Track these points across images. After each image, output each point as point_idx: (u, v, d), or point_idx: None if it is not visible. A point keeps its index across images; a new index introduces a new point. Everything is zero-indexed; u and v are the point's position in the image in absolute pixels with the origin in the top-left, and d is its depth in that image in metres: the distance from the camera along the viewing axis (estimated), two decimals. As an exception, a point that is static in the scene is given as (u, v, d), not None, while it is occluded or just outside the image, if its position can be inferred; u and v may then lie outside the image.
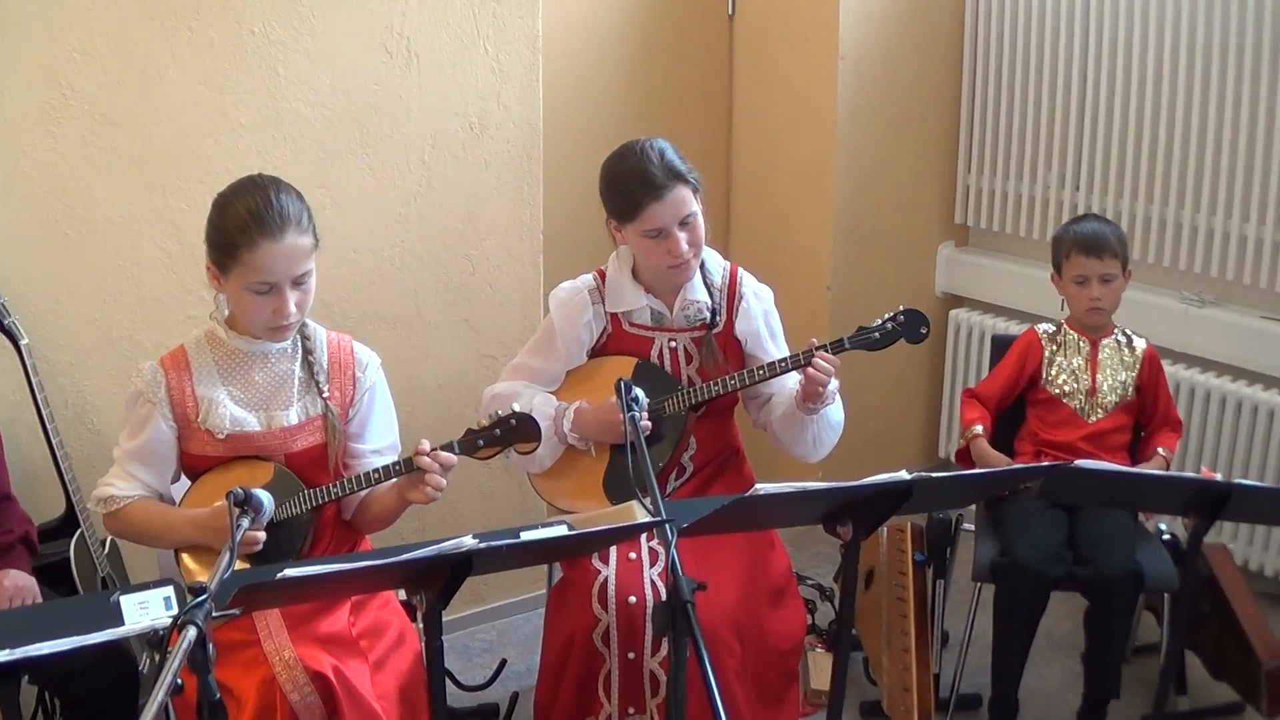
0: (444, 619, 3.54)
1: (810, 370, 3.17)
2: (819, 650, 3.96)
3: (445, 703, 2.53)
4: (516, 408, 2.88)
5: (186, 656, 1.86)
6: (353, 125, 3.77)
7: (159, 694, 1.69)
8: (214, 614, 1.99)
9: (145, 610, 2.27)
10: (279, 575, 2.07)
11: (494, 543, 2.27)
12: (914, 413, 5.58)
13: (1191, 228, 4.61)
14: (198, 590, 1.96)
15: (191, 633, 1.88)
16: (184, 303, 3.57)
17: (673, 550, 2.41)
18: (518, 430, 2.87)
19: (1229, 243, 4.51)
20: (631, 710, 3.12)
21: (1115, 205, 4.80)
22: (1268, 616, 3.75)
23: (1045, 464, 3.50)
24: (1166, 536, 3.74)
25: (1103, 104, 4.81)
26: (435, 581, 2.31)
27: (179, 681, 1.87)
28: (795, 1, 5.04)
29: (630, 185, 3.20)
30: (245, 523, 2.34)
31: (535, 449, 2.94)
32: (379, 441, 3.03)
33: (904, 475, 2.61)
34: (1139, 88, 4.68)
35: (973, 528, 3.90)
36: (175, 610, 2.40)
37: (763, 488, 2.50)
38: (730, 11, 5.28)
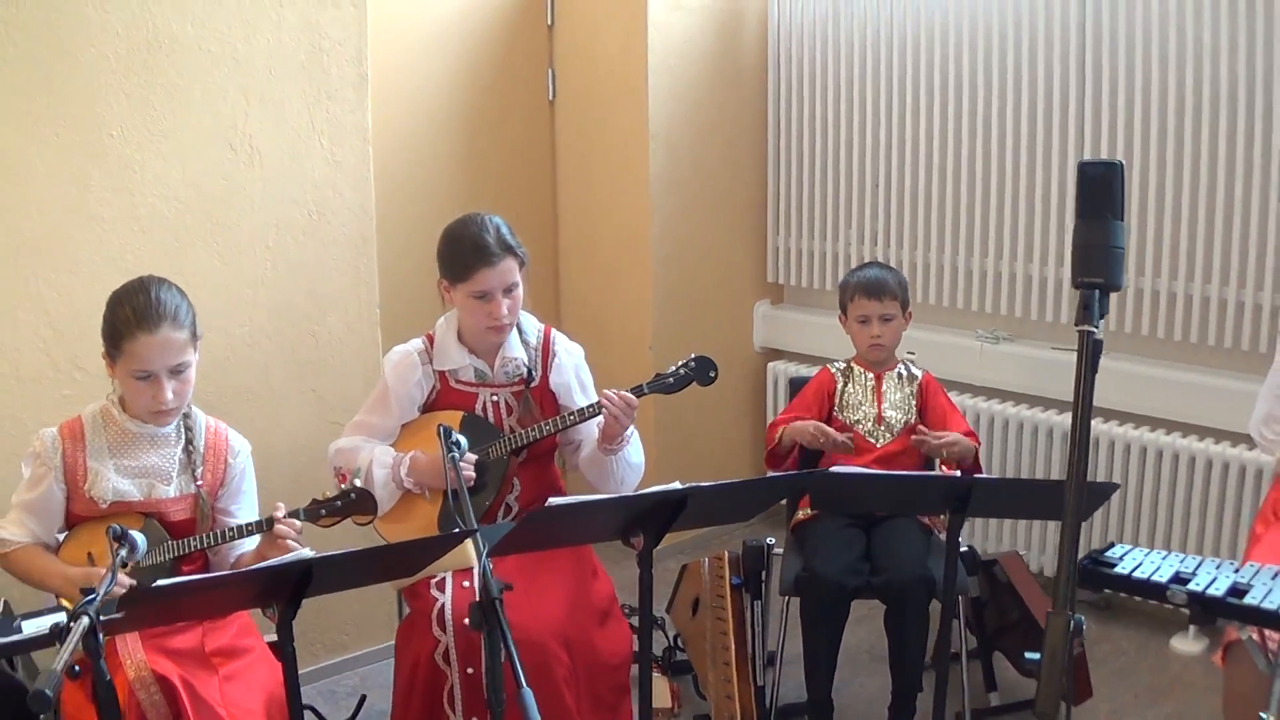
0: (311, 668, 4.22)
1: (608, 408, 3.68)
2: (655, 674, 4.40)
3: (301, 699, 3.08)
4: (358, 482, 3.41)
5: (82, 638, 2.39)
6: (203, 216, 4.18)
7: (64, 656, 2.27)
8: (102, 617, 2.51)
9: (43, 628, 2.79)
10: (155, 584, 2.64)
11: (329, 554, 2.88)
12: (740, 459, 6.04)
13: (981, 272, 5.23)
14: (87, 592, 2.51)
15: (84, 621, 2.42)
16: (58, 382, 3.92)
17: (483, 559, 2.76)
18: (357, 503, 3.41)
19: (1016, 284, 5.13)
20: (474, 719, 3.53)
21: (910, 256, 5.42)
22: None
23: (805, 470, 4.00)
24: (964, 549, 4.16)
25: (894, 167, 5.44)
26: (283, 592, 2.89)
27: (76, 668, 2.42)
28: (609, 85, 5.57)
29: (466, 250, 3.72)
30: (123, 553, 2.84)
31: (371, 521, 3.46)
32: (245, 518, 3.52)
33: (677, 485, 3.12)
34: (926, 151, 5.32)
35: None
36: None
37: (554, 501, 3.01)
38: (551, 97, 5.80)
